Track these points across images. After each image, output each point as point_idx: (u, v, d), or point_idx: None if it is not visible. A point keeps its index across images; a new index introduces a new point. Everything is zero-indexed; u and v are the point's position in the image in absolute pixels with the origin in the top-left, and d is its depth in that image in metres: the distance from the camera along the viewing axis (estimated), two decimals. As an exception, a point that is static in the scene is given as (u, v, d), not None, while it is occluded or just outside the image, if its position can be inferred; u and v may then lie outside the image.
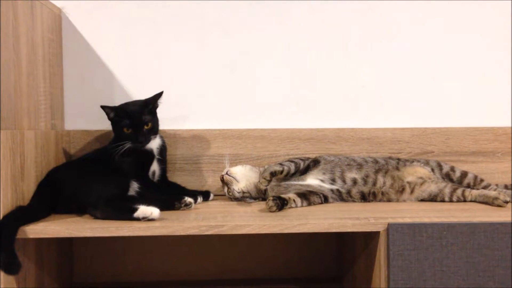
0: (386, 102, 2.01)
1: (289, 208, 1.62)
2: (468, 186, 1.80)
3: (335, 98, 2.00)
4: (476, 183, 1.81)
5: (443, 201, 1.73)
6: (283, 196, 1.63)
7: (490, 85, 2.02)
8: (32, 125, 1.59)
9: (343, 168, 1.78)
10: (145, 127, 1.69)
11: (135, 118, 1.68)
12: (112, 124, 1.73)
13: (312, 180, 1.75)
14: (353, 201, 1.75)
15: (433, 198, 1.74)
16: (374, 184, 1.76)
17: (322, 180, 1.75)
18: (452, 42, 2.01)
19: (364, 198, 1.75)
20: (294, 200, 1.64)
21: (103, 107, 1.70)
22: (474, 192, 1.71)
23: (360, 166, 1.79)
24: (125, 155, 1.68)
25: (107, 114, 1.71)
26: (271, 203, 1.57)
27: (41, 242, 1.58)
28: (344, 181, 1.75)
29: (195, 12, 1.96)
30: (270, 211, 1.57)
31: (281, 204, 1.59)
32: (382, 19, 2.00)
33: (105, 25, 1.94)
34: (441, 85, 2.02)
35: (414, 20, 2.00)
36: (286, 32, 1.98)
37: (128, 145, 1.67)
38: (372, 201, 1.75)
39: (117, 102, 1.87)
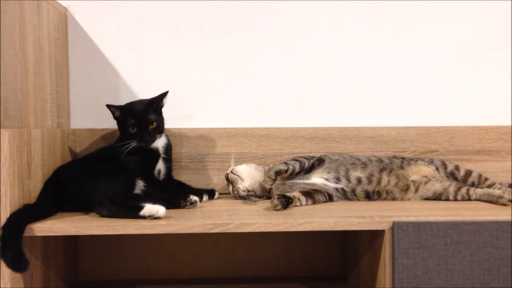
0: (390, 101, 2.02)
1: (294, 206, 1.63)
2: (473, 185, 1.80)
3: (339, 97, 2.01)
4: (481, 182, 1.81)
5: (447, 199, 1.73)
6: (288, 194, 1.63)
7: (494, 84, 2.03)
8: (38, 124, 1.60)
9: (348, 167, 1.78)
10: (151, 127, 1.70)
11: (141, 118, 1.69)
12: (118, 123, 1.73)
13: (317, 179, 1.76)
14: (358, 200, 1.75)
15: (437, 197, 1.74)
16: (379, 183, 1.76)
17: (326, 179, 1.76)
18: (456, 41, 2.01)
19: (368, 197, 1.75)
20: (299, 199, 1.65)
21: (108, 106, 1.71)
22: (479, 191, 1.71)
23: (364, 165, 1.79)
24: (131, 153, 1.69)
25: (113, 113, 1.72)
26: (276, 201, 1.57)
27: (47, 240, 1.59)
28: (348, 180, 1.76)
29: (201, 11, 1.96)
30: (275, 210, 1.57)
31: (286, 202, 1.59)
32: (387, 18, 2.00)
33: (110, 24, 1.94)
34: (446, 84, 2.02)
35: (418, 19, 2.01)
36: (291, 31, 1.99)
37: (133, 144, 1.68)
38: (376, 200, 1.75)
39: (122, 101, 1.88)
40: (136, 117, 1.69)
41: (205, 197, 1.76)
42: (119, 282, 1.93)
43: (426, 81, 2.02)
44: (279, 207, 1.57)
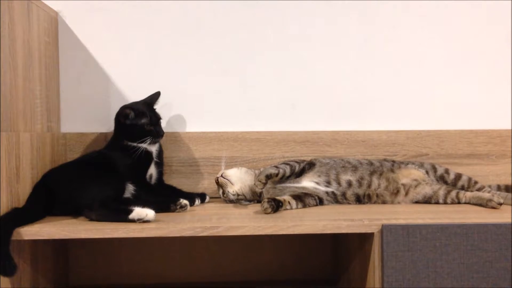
0: (381, 105, 2.02)
1: (284, 210, 1.63)
2: (462, 188, 1.80)
3: (330, 101, 2.00)
4: (470, 185, 1.82)
5: (437, 203, 1.73)
6: (278, 198, 1.63)
7: (485, 88, 2.03)
8: (28, 128, 1.59)
9: (338, 170, 1.78)
10: (160, 121, 1.77)
11: (152, 114, 1.74)
12: (126, 125, 1.71)
13: (307, 183, 1.76)
14: (348, 203, 1.75)
15: (427, 200, 1.75)
16: (369, 186, 1.76)
17: (317, 183, 1.76)
18: (447, 45, 2.02)
19: (359, 200, 1.75)
20: (289, 202, 1.65)
21: (124, 108, 1.71)
22: (468, 194, 1.72)
23: (355, 168, 1.79)
24: (124, 157, 1.68)
25: (127, 115, 1.71)
26: (266, 205, 1.57)
27: (36, 244, 1.58)
28: (339, 183, 1.76)
29: (191, 14, 1.96)
30: (265, 213, 1.57)
31: (276, 206, 1.59)
32: (379, 22, 2.00)
33: (101, 28, 1.94)
34: (436, 88, 2.03)
35: (410, 23, 2.01)
36: (282, 35, 1.99)
37: (146, 144, 1.70)
38: (367, 203, 1.75)
39: (113, 105, 1.88)
40: (149, 114, 1.72)
41: (197, 201, 1.76)
42: (110, 286, 1.91)
43: (416, 85, 2.02)
44: (269, 210, 1.57)
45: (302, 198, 1.69)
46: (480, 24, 2.02)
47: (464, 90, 2.03)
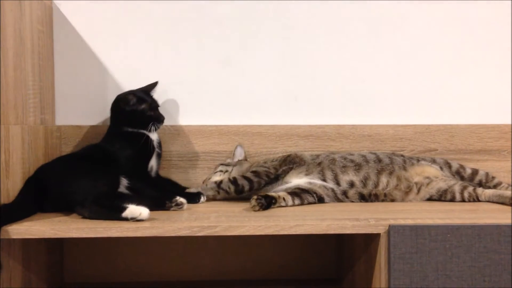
0: (388, 98, 1.95)
1: (278, 207, 1.55)
2: (480, 183, 1.75)
3: (335, 93, 1.94)
4: (488, 180, 1.76)
5: (453, 198, 1.66)
6: (270, 194, 1.55)
7: (496, 81, 1.96)
8: (19, 120, 1.52)
9: (337, 171, 1.67)
10: (158, 108, 1.74)
11: (151, 100, 1.72)
12: (128, 112, 1.68)
13: (298, 180, 1.67)
14: (351, 201, 1.67)
15: (441, 195, 1.67)
16: (376, 186, 1.67)
17: (311, 178, 1.67)
18: (457, 36, 1.95)
19: (363, 199, 1.67)
20: (284, 198, 1.56)
21: (127, 94, 1.69)
22: (488, 192, 1.64)
23: (358, 167, 1.68)
24: (125, 147, 1.64)
25: (129, 101, 1.68)
26: (253, 202, 1.49)
27: (28, 242, 1.51)
28: (338, 183, 1.65)
29: (192, 4, 1.89)
30: (253, 211, 1.49)
31: (267, 203, 1.51)
32: (384, 13, 1.93)
33: (98, 17, 1.87)
34: (445, 81, 1.96)
35: (418, 13, 1.94)
36: (285, 26, 1.92)
37: (147, 131, 1.67)
38: (374, 201, 1.67)
39: (110, 96, 1.82)
40: (149, 100, 1.71)
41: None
42: (107, 284, 1.86)
43: (425, 77, 1.95)
44: (257, 208, 1.49)
45: (299, 194, 1.61)
46: (494, 12, 1.94)
47: (474, 83, 1.96)
